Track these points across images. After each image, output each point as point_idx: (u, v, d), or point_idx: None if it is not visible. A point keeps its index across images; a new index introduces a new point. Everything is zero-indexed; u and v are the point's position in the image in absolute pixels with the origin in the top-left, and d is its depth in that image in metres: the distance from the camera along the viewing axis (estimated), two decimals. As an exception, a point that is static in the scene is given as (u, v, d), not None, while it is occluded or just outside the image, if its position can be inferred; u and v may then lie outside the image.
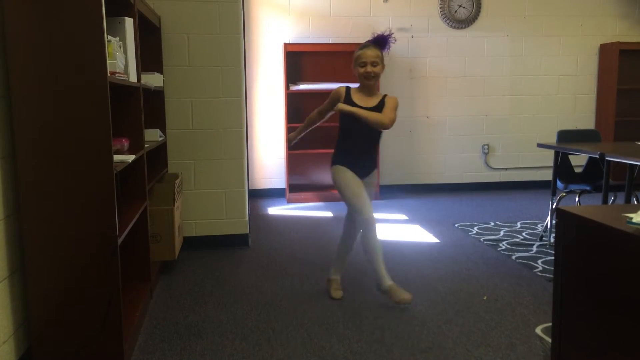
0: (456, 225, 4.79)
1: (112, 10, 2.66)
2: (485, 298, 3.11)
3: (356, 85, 3.10)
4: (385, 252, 3.95)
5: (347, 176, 3.01)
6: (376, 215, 3.03)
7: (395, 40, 3.15)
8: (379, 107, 3.00)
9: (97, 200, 2.18)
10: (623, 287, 1.36)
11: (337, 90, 3.09)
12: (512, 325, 2.76)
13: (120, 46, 2.63)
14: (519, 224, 4.79)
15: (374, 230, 2.96)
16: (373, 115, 2.93)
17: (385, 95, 3.06)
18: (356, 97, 3.03)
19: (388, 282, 2.99)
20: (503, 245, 4.15)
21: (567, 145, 3.99)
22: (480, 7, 6.20)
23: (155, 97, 3.83)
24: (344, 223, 3.23)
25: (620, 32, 6.47)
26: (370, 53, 2.96)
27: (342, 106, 2.95)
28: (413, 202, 5.79)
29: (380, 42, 3.02)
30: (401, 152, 6.31)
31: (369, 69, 2.95)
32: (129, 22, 2.75)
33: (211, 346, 2.56)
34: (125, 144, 2.76)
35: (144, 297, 2.87)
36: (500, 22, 6.28)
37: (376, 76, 2.99)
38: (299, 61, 5.99)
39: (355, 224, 3.12)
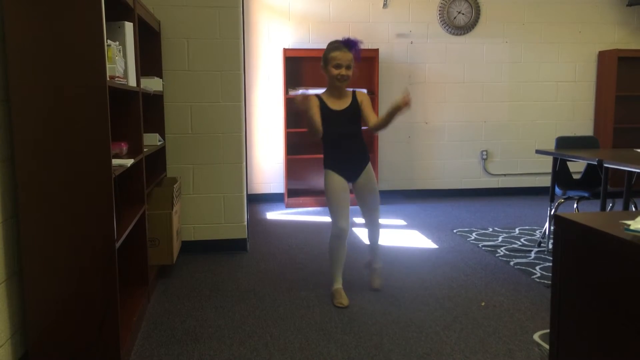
0: (455, 231, 4.79)
1: (112, 15, 2.66)
2: (483, 304, 3.11)
3: (321, 90, 3.14)
4: (384, 257, 3.96)
5: (334, 184, 3.10)
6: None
7: (358, 51, 3.06)
8: (353, 106, 3.07)
9: (95, 204, 2.18)
10: (621, 293, 1.36)
11: (311, 101, 3.05)
12: (510, 331, 2.75)
13: (119, 50, 2.64)
14: (517, 230, 4.79)
15: (343, 241, 3.10)
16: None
17: (354, 92, 3.10)
18: (329, 102, 3.08)
19: (337, 285, 3.16)
20: (501, 251, 4.15)
21: (566, 152, 3.99)
22: (479, 14, 6.22)
23: (155, 101, 3.83)
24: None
25: (618, 39, 6.49)
26: (346, 56, 2.97)
27: (406, 100, 2.80)
28: (411, 208, 5.79)
29: (351, 45, 3.01)
30: (400, 158, 6.32)
31: (344, 72, 2.98)
32: (128, 27, 2.76)
33: (209, 351, 2.56)
34: (124, 148, 2.76)
35: (141, 302, 2.87)
36: (499, 28, 6.30)
37: (348, 79, 3.02)
38: (299, 66, 6.00)
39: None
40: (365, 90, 5.71)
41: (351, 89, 3.13)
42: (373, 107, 3.19)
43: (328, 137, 3.10)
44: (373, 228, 3.30)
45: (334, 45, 3.02)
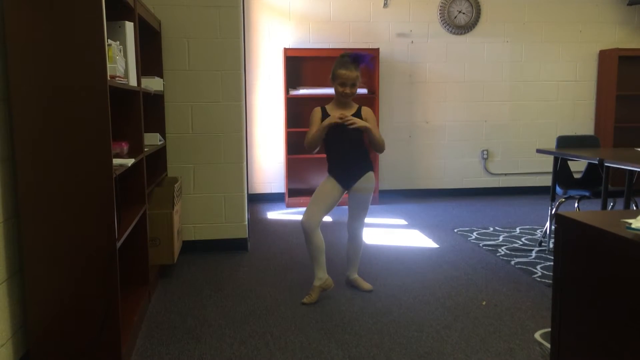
0: (455, 230, 4.79)
1: (113, 14, 2.66)
2: (484, 303, 3.11)
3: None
4: (384, 257, 3.96)
5: (322, 187, 3.21)
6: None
7: (371, 64, 3.21)
8: (355, 117, 3.11)
9: (96, 204, 2.17)
10: (622, 292, 1.36)
11: (314, 114, 3.18)
12: (510, 330, 2.75)
13: (120, 50, 2.64)
14: (518, 230, 4.79)
15: (307, 235, 3.14)
16: (379, 136, 3.16)
17: (360, 107, 3.18)
18: (333, 111, 3.16)
19: (317, 282, 3.17)
20: (502, 250, 4.15)
21: (567, 151, 3.99)
22: (479, 13, 6.22)
23: (155, 101, 3.83)
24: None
25: (619, 38, 6.48)
26: (351, 75, 3.07)
27: (360, 123, 3.05)
28: (412, 207, 5.79)
29: (359, 62, 3.10)
30: (400, 157, 6.32)
31: (348, 90, 3.08)
32: (129, 26, 2.76)
33: (210, 350, 2.56)
34: (125, 147, 2.76)
35: (142, 301, 2.87)
36: (499, 28, 6.30)
37: (352, 95, 3.12)
38: (299, 66, 6.00)
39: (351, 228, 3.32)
40: (365, 91, 5.71)
41: (357, 104, 3.21)
42: (374, 107, 3.21)
43: (328, 143, 3.19)
44: (351, 240, 3.31)
45: (342, 62, 3.09)
